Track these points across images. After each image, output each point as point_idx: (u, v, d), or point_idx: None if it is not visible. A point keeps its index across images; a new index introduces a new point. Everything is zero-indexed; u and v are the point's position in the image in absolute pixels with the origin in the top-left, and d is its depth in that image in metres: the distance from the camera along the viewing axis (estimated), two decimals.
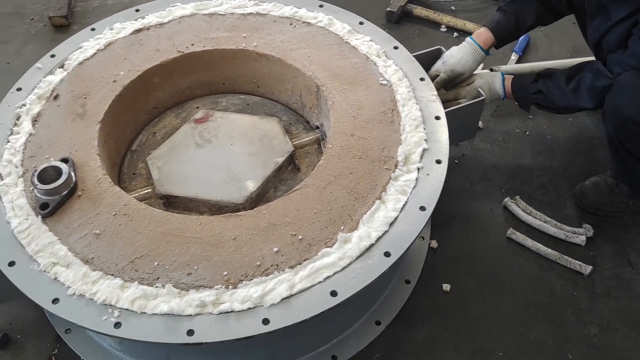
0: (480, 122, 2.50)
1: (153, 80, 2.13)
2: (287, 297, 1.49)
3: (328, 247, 1.59)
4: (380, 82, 2.00)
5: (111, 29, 2.21)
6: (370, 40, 2.14)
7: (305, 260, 1.56)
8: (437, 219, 2.18)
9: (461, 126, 2.18)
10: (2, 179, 1.75)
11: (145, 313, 1.47)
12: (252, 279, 1.52)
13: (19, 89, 2.01)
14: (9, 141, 1.86)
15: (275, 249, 1.58)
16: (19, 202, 1.69)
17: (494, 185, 2.30)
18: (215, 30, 2.20)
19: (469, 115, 2.17)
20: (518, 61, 2.74)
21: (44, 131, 1.89)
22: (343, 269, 1.55)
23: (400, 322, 1.92)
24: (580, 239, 2.08)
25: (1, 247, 1.60)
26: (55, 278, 1.53)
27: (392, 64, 2.06)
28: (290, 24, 2.22)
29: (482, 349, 1.86)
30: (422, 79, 2.02)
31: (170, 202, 1.92)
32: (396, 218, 1.65)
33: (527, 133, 2.47)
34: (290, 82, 2.15)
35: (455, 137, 2.22)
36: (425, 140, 1.83)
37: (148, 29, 2.22)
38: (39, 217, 1.65)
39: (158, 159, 2.00)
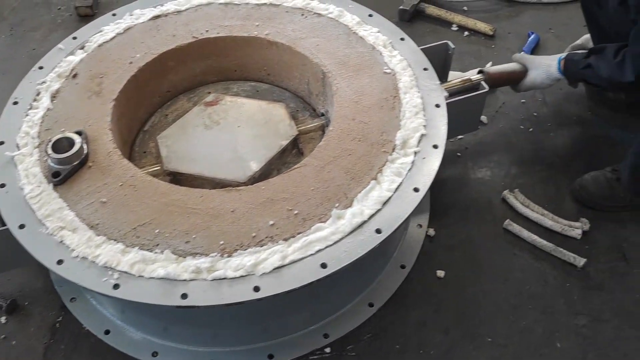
0: (484, 117, 2.54)
1: (168, 64, 2.22)
2: (279, 267, 1.56)
3: (322, 222, 1.65)
4: (385, 70, 2.06)
5: (131, 15, 2.32)
6: (378, 32, 2.21)
7: (299, 233, 1.63)
8: (436, 207, 2.22)
9: (463, 118, 2.22)
10: (19, 149, 1.86)
11: (143, 276, 1.54)
12: (246, 249, 1.60)
13: (40, 67, 2.13)
14: (27, 115, 1.97)
15: (271, 222, 1.65)
16: (33, 171, 1.79)
17: (494, 178, 2.33)
18: (229, 19, 2.29)
19: (471, 107, 2.21)
20: None
21: (61, 106, 2.00)
22: (335, 243, 1.61)
23: (393, 305, 1.97)
24: (576, 232, 2.11)
25: (13, 211, 1.70)
26: (62, 241, 1.62)
27: (398, 54, 2.12)
28: (302, 15, 2.29)
29: (471, 334, 1.89)
30: (425, 69, 2.07)
31: (177, 179, 2.01)
32: (390, 198, 1.70)
33: (531, 130, 2.50)
34: (299, 70, 2.22)
35: (457, 129, 2.29)
36: (424, 126, 1.88)
37: (166, 15, 2.32)
38: (51, 184, 1.75)
39: (168, 137, 2.09)
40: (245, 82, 2.38)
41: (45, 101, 2.01)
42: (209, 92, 2.33)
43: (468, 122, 2.28)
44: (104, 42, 2.21)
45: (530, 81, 2.23)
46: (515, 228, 2.14)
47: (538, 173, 2.35)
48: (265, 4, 2.34)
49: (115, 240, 1.62)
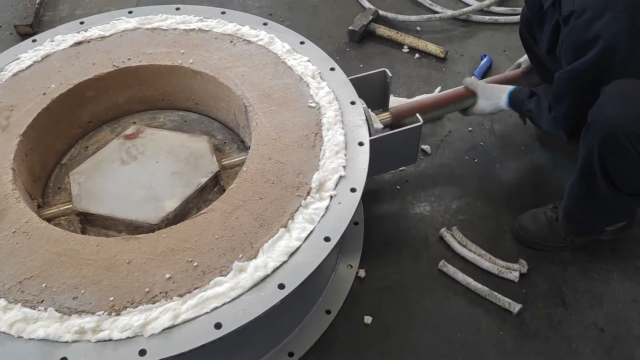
0: (428, 147, 2.43)
1: (86, 94, 2.11)
2: (169, 328, 1.44)
3: (222, 275, 1.54)
4: (309, 104, 1.95)
5: (52, 41, 2.20)
6: (308, 61, 2.09)
7: (196, 288, 1.52)
8: (370, 246, 2.12)
9: (399, 151, 2.13)
10: None
11: (22, 337, 1.43)
12: (137, 306, 1.48)
13: None
14: None
15: (168, 276, 1.54)
16: None
17: (433, 214, 2.23)
18: (154, 46, 2.18)
19: (407, 141, 2.10)
20: None
21: None
22: (233, 300, 1.49)
23: (314, 354, 1.86)
24: (514, 275, 2.00)
25: None
26: None
27: (326, 86, 2.01)
28: (231, 42, 2.18)
29: None
30: (352, 103, 1.96)
31: (88, 220, 1.89)
32: (298, 248, 1.59)
33: (476, 161, 2.40)
34: (225, 101, 2.11)
35: (393, 162, 2.19)
36: (344, 167, 1.77)
37: (89, 41, 2.20)
38: None
39: (81, 174, 1.97)
40: (173, 112, 2.26)
41: None
42: (134, 122, 2.22)
43: (405, 155, 2.17)
44: (20, 71, 2.10)
45: (480, 110, 2.16)
46: (450, 270, 2.03)
47: (480, 208, 2.24)
48: (194, 29, 2.23)
49: (8, 300, 1.51)
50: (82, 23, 2.28)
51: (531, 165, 2.37)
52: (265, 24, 2.25)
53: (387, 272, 2.06)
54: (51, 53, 2.16)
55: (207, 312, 1.47)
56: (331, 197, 1.70)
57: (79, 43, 2.19)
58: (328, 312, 1.96)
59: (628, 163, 1.62)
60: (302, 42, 2.18)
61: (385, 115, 2.14)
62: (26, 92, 2.03)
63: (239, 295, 1.50)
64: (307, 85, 2.01)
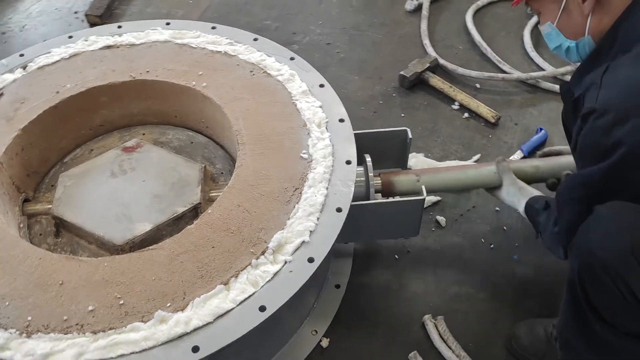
0: (443, 219, 2.22)
1: (100, 99, 2.12)
2: None
3: (142, 321, 1.46)
4: (302, 154, 1.83)
5: (85, 40, 2.24)
6: (319, 107, 1.97)
7: (111, 329, 1.45)
8: (344, 314, 1.96)
9: (399, 221, 1.95)
10: None
11: None
12: (49, 333, 1.44)
13: None
14: None
15: (91, 308, 1.48)
16: None
17: (426, 295, 2.01)
18: (176, 62, 2.15)
19: (407, 212, 1.92)
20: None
21: None
22: (142, 351, 1.41)
23: None
24: None
25: None
26: None
27: (327, 138, 1.87)
28: (251, 72, 2.11)
29: None
30: (348, 162, 1.81)
31: (63, 225, 1.89)
32: (229, 310, 1.48)
33: (492, 246, 2.15)
34: (229, 131, 2.04)
35: (390, 231, 2.02)
36: (311, 232, 1.63)
37: (118, 47, 2.22)
38: None
39: (70, 178, 1.98)
40: (183, 131, 2.23)
41: None
42: (144, 134, 2.21)
43: (405, 226, 1.98)
44: (46, 65, 2.15)
45: (500, 197, 1.94)
46: None
47: (479, 302, 2.00)
48: (220, 52, 2.18)
49: None
50: (119, 27, 2.31)
51: (553, 267, 2.06)
52: (292, 58, 2.16)
53: (353, 348, 1.89)
54: (80, 52, 2.20)
55: (111, 358, 1.39)
56: (285, 262, 1.57)
57: (108, 47, 2.22)
58: None
59: (610, 299, 1.38)
60: (321, 85, 2.06)
61: (376, 181, 1.94)
62: (42, 87, 2.07)
63: (150, 348, 1.41)
64: (309, 134, 1.89)
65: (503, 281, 2.05)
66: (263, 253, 1.58)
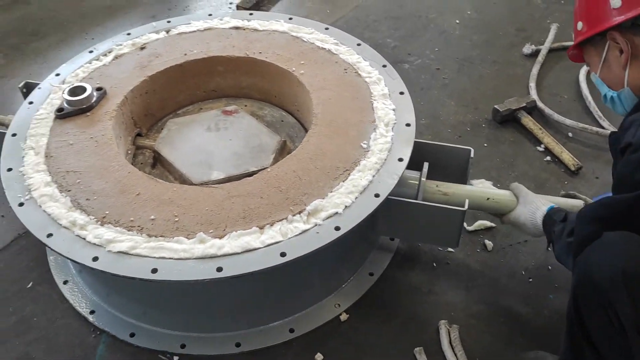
0: (490, 243, 2.29)
1: (217, 68, 2.50)
2: None
3: (187, 237, 1.75)
4: (362, 144, 2.04)
5: (220, 20, 2.66)
6: (392, 110, 2.17)
7: (162, 236, 1.76)
8: (368, 297, 2.12)
9: (438, 227, 2.07)
10: (64, 83, 2.32)
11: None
12: (117, 227, 1.79)
13: (128, 34, 2.59)
14: (90, 63, 2.43)
15: (152, 217, 1.81)
16: (55, 102, 2.23)
17: (449, 305, 2.10)
18: (286, 50, 2.47)
19: (446, 220, 2.03)
20: None
21: (113, 67, 2.42)
22: (179, 259, 1.70)
23: None
24: None
25: (23, 120, 2.17)
26: (23, 157, 2.02)
27: (390, 137, 2.07)
28: (345, 70, 2.37)
29: None
30: (400, 159, 1.99)
31: (159, 159, 2.28)
32: (256, 249, 1.72)
33: (531, 281, 2.18)
34: (311, 114, 2.31)
35: (429, 237, 2.15)
36: (346, 206, 1.84)
37: (244, 29, 2.60)
38: (54, 114, 2.17)
39: (175, 124, 2.37)
40: (278, 110, 2.54)
41: (108, 59, 2.45)
42: (246, 105, 2.55)
43: (444, 234, 2.10)
44: (183, 32, 2.59)
45: (515, 216, 1.98)
46: None
47: (499, 325, 2.05)
48: (324, 49, 2.47)
49: (54, 179, 1.95)
50: (251, 14, 2.70)
51: None
52: (384, 65, 2.38)
53: (366, 330, 2.04)
54: (212, 28, 2.61)
55: (154, 257, 1.71)
56: (315, 224, 1.79)
57: (236, 28, 2.61)
58: (291, 330, 2.03)
59: (599, 322, 1.44)
60: (401, 92, 2.26)
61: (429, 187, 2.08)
62: (175, 48, 2.50)
63: (186, 259, 1.71)
64: (375, 129, 2.10)
65: (530, 314, 2.08)
66: (299, 213, 1.82)
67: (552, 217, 1.82)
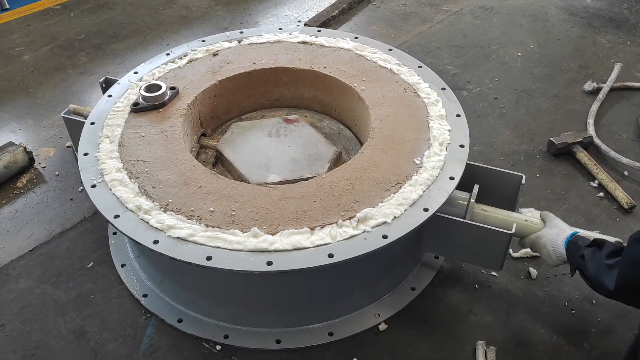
0: (535, 271, 2.30)
1: (282, 78, 2.63)
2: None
3: (242, 231, 1.86)
4: (415, 160, 2.11)
5: (290, 34, 2.80)
6: (448, 130, 2.24)
7: (219, 227, 1.87)
8: (408, 312, 2.16)
9: (482, 249, 2.10)
10: (141, 81, 2.49)
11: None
12: (178, 214, 1.91)
13: (203, 40, 2.76)
14: (166, 65, 2.61)
15: (211, 209, 1.93)
16: (132, 97, 2.41)
17: (488, 326, 2.12)
18: (349, 66, 2.58)
19: (492, 242, 2.06)
20: None
21: (187, 69, 2.58)
22: (232, 249, 1.80)
23: None
24: None
25: (101, 111, 2.34)
26: (99, 144, 2.18)
27: (443, 156, 2.13)
28: (404, 89, 2.46)
29: None
30: (451, 178, 2.05)
31: (221, 159, 2.41)
32: (305, 248, 1.81)
33: (573, 312, 2.18)
34: (369, 129, 2.39)
35: (473, 257, 2.18)
36: (395, 217, 1.90)
37: (311, 44, 2.73)
38: (129, 108, 2.34)
39: (239, 127, 2.51)
40: (337, 123, 2.64)
41: (183, 62, 2.62)
42: (306, 116, 2.67)
43: (488, 257, 2.13)
44: (254, 43, 2.74)
45: (537, 237, 2.01)
46: None
47: (537, 352, 2.06)
48: (386, 68, 2.57)
49: (124, 166, 2.10)
50: (319, 31, 2.83)
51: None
52: (443, 88, 2.45)
53: (403, 342, 2.08)
54: (282, 41, 2.75)
55: (210, 245, 1.81)
56: (364, 231, 1.86)
57: (304, 42, 2.74)
58: (331, 334, 2.09)
59: None
60: (458, 115, 2.32)
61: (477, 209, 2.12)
62: (245, 57, 2.65)
63: (239, 250, 1.81)
64: (429, 147, 2.17)
65: (569, 345, 2.08)
66: (350, 218, 1.90)
67: (577, 242, 1.85)
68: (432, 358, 2.04)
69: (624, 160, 2.75)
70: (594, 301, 2.22)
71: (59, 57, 3.67)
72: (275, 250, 1.80)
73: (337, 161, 2.37)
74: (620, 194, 2.59)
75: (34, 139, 3.03)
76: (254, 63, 2.61)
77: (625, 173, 2.76)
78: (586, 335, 2.11)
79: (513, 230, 2.02)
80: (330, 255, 1.79)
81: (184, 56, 2.66)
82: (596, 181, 2.70)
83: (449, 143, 2.19)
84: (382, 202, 1.96)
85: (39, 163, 2.86)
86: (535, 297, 2.24)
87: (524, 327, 2.14)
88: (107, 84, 2.64)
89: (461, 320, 2.16)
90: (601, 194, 2.66)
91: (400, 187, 2.01)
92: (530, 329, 2.13)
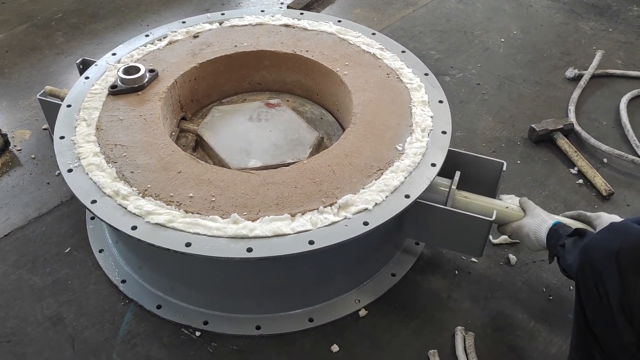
0: (514, 257, 2.32)
1: (264, 62, 2.59)
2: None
3: (221, 217, 1.84)
4: (397, 146, 2.10)
5: (272, 16, 2.75)
6: (430, 117, 2.23)
7: (198, 213, 1.85)
8: (388, 298, 2.17)
9: (463, 235, 2.10)
10: (119, 63, 2.44)
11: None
12: (156, 200, 1.88)
13: (183, 22, 2.70)
14: (145, 46, 2.55)
15: (191, 195, 1.90)
16: (110, 79, 2.36)
17: (468, 313, 2.14)
18: (332, 50, 2.55)
19: (472, 228, 2.07)
20: None
21: (166, 51, 2.53)
22: (212, 236, 1.78)
23: None
24: None
25: (78, 93, 2.30)
26: (75, 127, 2.14)
27: (425, 143, 2.12)
28: (387, 74, 2.44)
29: None
30: (433, 165, 2.04)
31: (201, 143, 2.38)
32: (286, 234, 1.80)
33: (551, 298, 2.20)
34: (351, 114, 2.37)
35: (453, 243, 2.19)
36: (376, 204, 1.89)
37: (293, 27, 2.69)
38: (107, 90, 2.29)
39: (219, 111, 2.47)
40: (319, 108, 2.62)
41: (162, 43, 2.57)
42: (288, 101, 2.64)
43: (468, 243, 2.13)
44: (235, 25, 2.69)
45: (518, 226, 2.01)
46: None
47: (515, 338, 2.08)
48: (369, 52, 2.54)
49: (102, 150, 2.06)
50: (301, 14, 2.79)
51: None
52: (426, 74, 2.44)
53: (383, 327, 2.09)
54: (264, 23, 2.71)
55: (189, 232, 1.79)
56: (345, 217, 1.85)
57: (286, 25, 2.70)
58: (311, 320, 2.09)
59: (592, 302, 1.52)
60: (440, 101, 2.31)
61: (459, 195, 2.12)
62: (226, 39, 2.60)
63: (218, 237, 1.78)
64: (411, 134, 2.15)
65: (547, 330, 2.11)
66: (331, 205, 1.88)
67: (558, 231, 1.86)
68: (411, 344, 2.05)
69: (604, 147, 2.77)
70: (571, 287, 2.24)
71: (35, 36, 3.58)
72: (255, 237, 1.79)
73: (319, 146, 2.35)
74: (599, 181, 2.61)
75: (9, 121, 2.96)
76: (235, 46, 2.57)
77: (605, 160, 2.79)
78: (563, 321, 2.13)
79: (494, 218, 2.03)
80: (311, 242, 1.78)
81: (164, 38, 2.60)
82: (576, 168, 2.72)
83: (431, 129, 2.18)
84: (363, 188, 1.95)
85: (14, 146, 2.79)
86: (514, 283, 2.26)
87: (502, 312, 2.16)
88: (84, 65, 2.58)
89: (441, 306, 2.17)
90: (580, 180, 2.68)
91: (382, 173, 2.00)
92: (508, 314, 2.15)
